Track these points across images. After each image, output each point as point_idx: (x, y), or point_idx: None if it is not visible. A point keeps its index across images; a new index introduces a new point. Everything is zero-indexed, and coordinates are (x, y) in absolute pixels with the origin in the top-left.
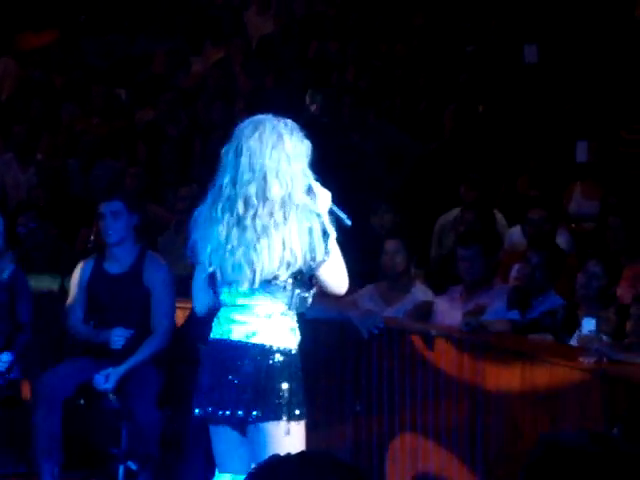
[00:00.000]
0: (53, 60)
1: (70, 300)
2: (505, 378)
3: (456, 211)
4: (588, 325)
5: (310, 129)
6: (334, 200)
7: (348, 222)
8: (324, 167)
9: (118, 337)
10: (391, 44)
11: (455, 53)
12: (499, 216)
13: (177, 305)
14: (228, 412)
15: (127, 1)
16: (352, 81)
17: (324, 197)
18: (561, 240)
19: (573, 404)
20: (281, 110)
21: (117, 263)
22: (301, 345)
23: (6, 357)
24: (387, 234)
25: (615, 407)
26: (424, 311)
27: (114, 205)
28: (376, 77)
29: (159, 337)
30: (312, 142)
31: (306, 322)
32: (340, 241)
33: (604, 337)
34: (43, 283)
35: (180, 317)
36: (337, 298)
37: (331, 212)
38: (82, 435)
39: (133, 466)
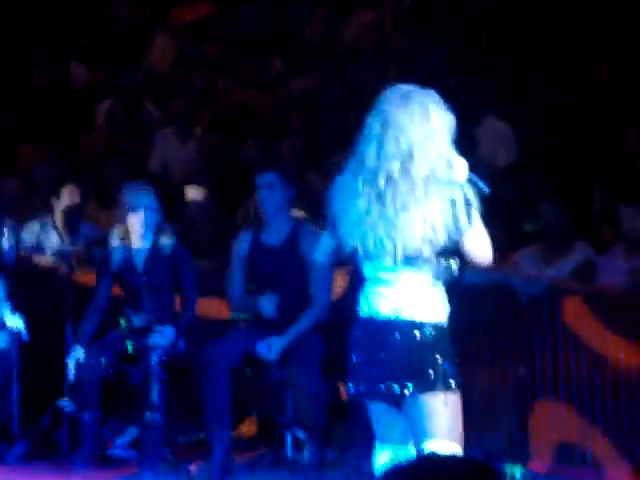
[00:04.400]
0: (208, 32)
1: (231, 273)
2: None
3: None
4: None
5: None
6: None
7: (486, 189)
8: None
9: (267, 304)
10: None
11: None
12: None
13: (337, 272)
14: (383, 387)
15: None
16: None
17: (462, 166)
18: None
19: None
20: (437, 70)
21: (274, 235)
22: (458, 312)
23: (170, 331)
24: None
25: None
26: (586, 271)
27: (268, 177)
28: (531, 33)
29: (319, 308)
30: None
31: (464, 288)
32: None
33: None
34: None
35: (338, 286)
36: (498, 261)
37: (469, 181)
38: (250, 403)
39: (300, 434)
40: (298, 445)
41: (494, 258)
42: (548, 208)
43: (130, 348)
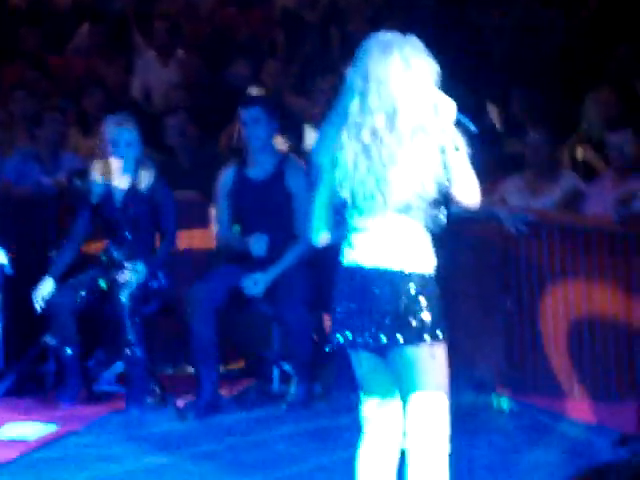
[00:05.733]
0: None
1: (215, 209)
2: None
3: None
4: None
5: None
6: (458, 106)
7: (474, 129)
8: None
9: (257, 244)
10: None
11: None
12: None
13: None
14: (370, 338)
15: None
16: None
17: (448, 108)
18: None
19: None
20: None
21: (259, 169)
22: (445, 249)
23: (141, 267)
24: (530, 122)
25: None
26: (573, 199)
27: (254, 112)
28: None
29: (304, 241)
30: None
31: (451, 224)
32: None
33: None
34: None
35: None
36: (483, 195)
37: (457, 122)
38: (237, 339)
39: (287, 368)
40: (285, 379)
41: (481, 189)
42: (535, 137)
43: (103, 285)
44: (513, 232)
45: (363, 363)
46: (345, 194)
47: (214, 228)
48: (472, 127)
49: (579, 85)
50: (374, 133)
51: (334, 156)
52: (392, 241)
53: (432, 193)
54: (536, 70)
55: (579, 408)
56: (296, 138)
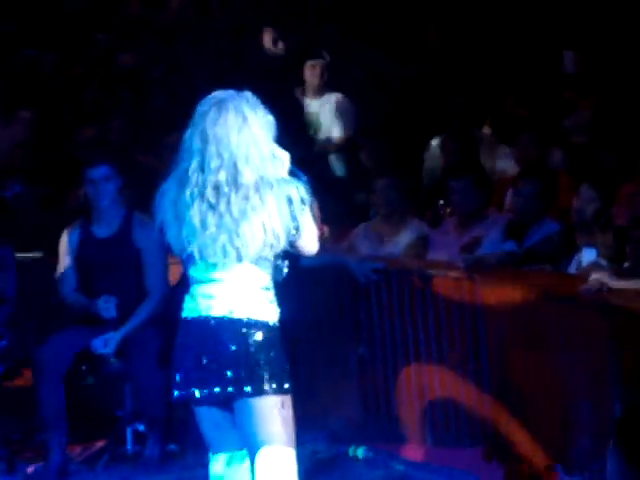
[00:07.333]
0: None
1: (61, 269)
2: (505, 311)
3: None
4: (589, 256)
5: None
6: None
7: (304, 179)
8: None
9: (106, 306)
10: None
11: None
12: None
13: (170, 262)
14: (216, 388)
15: None
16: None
17: (284, 159)
18: (554, 159)
19: (577, 336)
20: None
21: (105, 226)
22: (296, 300)
23: None
24: (377, 170)
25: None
26: (420, 246)
27: (103, 170)
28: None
29: (154, 299)
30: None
31: (300, 272)
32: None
33: (603, 262)
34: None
35: (175, 274)
36: (332, 244)
37: (291, 172)
38: (88, 401)
39: (141, 427)
40: (138, 439)
41: (330, 236)
42: (383, 182)
43: None
44: (362, 280)
45: (209, 418)
46: (192, 249)
47: (60, 288)
48: (303, 178)
49: (420, 133)
50: (218, 191)
51: (179, 213)
52: (239, 291)
53: (283, 243)
54: (381, 119)
55: (430, 454)
56: (144, 194)
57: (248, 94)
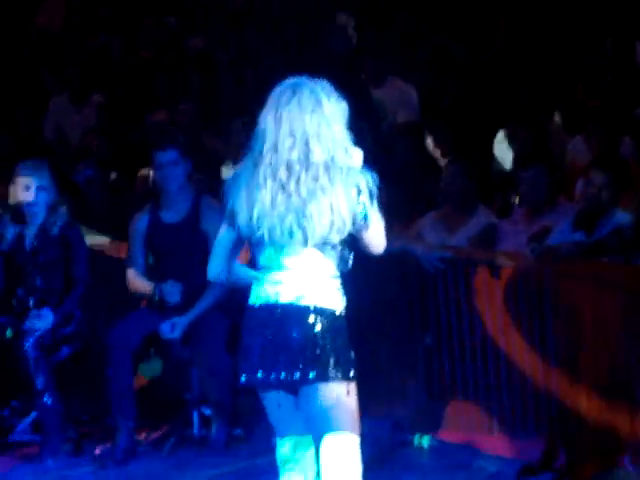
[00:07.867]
0: None
1: (129, 254)
2: (573, 304)
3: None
4: None
5: None
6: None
7: (376, 181)
8: None
9: (172, 290)
10: None
11: None
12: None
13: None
14: (282, 374)
15: None
16: None
17: (357, 156)
18: (626, 149)
19: None
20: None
21: (174, 211)
22: (363, 287)
23: (47, 313)
24: (445, 157)
25: None
26: (488, 235)
27: (170, 155)
28: None
29: (220, 284)
30: None
31: (367, 261)
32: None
33: None
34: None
35: (244, 258)
36: (400, 231)
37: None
38: (155, 384)
39: (207, 412)
40: (205, 423)
41: (398, 226)
42: (452, 168)
43: (9, 333)
44: (430, 270)
45: (276, 402)
46: (262, 232)
47: (128, 272)
48: (375, 180)
49: (489, 121)
50: (290, 170)
51: (250, 195)
52: (307, 278)
53: (350, 228)
54: (447, 104)
55: (495, 443)
56: (212, 178)
57: (323, 81)
